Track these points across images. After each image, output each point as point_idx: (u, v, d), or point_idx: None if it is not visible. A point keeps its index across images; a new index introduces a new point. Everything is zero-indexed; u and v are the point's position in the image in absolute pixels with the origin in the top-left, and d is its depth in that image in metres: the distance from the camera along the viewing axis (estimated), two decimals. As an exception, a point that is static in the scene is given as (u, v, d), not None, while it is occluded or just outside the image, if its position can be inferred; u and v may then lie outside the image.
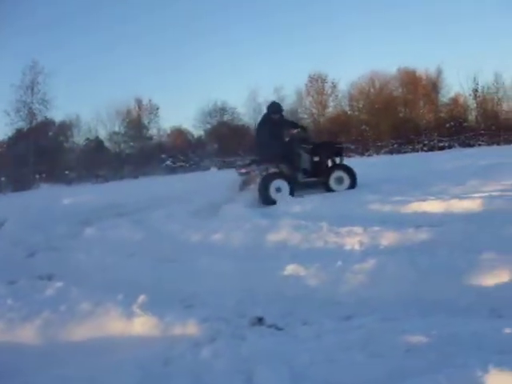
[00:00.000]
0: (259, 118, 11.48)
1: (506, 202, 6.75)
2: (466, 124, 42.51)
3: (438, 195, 7.72)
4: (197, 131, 49.51)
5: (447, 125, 42.40)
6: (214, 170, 36.27)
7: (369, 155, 38.64)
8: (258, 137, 10.62)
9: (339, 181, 10.10)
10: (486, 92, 45.74)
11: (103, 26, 71.07)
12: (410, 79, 47.79)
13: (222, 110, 48.29)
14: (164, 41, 72.82)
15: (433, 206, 6.96)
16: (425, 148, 40.00)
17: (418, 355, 2.47)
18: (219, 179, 12.76)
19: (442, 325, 2.85)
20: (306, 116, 48.59)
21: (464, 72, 59.93)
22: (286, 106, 47.26)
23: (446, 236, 5.07)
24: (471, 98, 46.13)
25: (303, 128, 11.10)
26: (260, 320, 3.45)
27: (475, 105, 46.16)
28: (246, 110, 48.45)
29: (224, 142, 43.54)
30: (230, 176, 10.77)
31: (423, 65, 60.07)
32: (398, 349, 2.55)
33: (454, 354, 2.43)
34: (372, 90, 48.27)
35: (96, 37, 69.40)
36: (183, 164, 39.79)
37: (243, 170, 10.11)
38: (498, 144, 36.03)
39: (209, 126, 48.58)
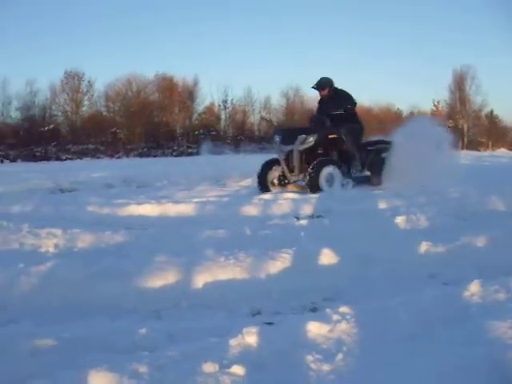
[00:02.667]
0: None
1: (217, 206, 7.21)
2: (214, 132, 44.61)
3: (160, 199, 7.95)
4: None
5: (196, 132, 44.13)
6: None
7: (118, 157, 38.42)
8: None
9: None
10: (236, 104, 48.74)
11: None
12: (167, 85, 48.62)
13: (-34, 99, 44.23)
14: None
15: (147, 210, 7.16)
16: (174, 153, 41.03)
17: (43, 359, 2.47)
18: None
19: (84, 327, 2.88)
20: (59, 113, 46.71)
21: (217, 84, 62.71)
22: (39, 101, 45.22)
23: (140, 238, 5.22)
24: (221, 108, 48.75)
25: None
26: None
27: (225, 115, 48.89)
28: (-7, 102, 45.13)
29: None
30: None
31: (181, 73, 61.99)
32: (23, 353, 2.53)
33: (80, 356, 2.48)
34: (129, 92, 48.14)
35: None
36: None
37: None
38: (244, 153, 38.50)
39: None
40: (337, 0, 73.89)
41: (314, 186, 8.93)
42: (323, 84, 10.06)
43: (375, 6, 76.26)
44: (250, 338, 2.37)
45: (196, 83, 49.39)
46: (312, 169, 9.04)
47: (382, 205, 7.40)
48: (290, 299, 3.54)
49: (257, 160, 10.69)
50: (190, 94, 49.28)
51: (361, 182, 9.74)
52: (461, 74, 53.15)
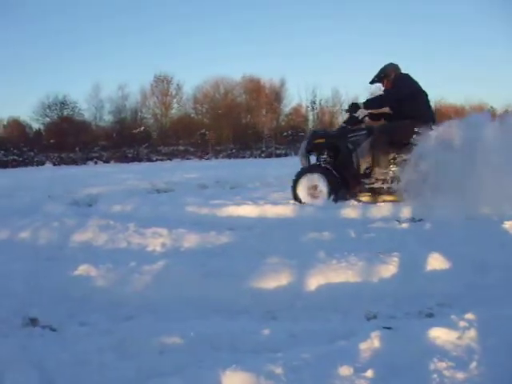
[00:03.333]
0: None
1: (315, 208, 7.18)
2: (302, 134, 44.54)
3: (256, 200, 8.00)
4: (35, 124, 47.20)
5: (284, 133, 44.20)
6: (48, 165, 34.84)
7: (207, 159, 39.13)
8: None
9: None
10: (324, 105, 48.53)
11: None
12: (254, 87, 49.17)
13: (63, 103, 46.36)
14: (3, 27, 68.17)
15: (246, 211, 7.23)
16: (263, 154, 41.33)
17: (171, 356, 2.54)
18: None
19: (206, 326, 2.94)
20: (149, 116, 48.28)
21: (305, 85, 62.65)
22: (130, 104, 46.90)
23: (246, 240, 5.28)
24: (309, 109, 48.61)
25: None
26: (33, 321, 3.35)
27: (313, 116, 48.75)
28: (88, 106, 47.14)
29: (62, 137, 41.84)
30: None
31: (268, 74, 62.46)
32: (152, 350, 2.61)
33: (207, 355, 2.53)
34: (217, 94, 49.00)
35: None
36: (16, 158, 37.60)
37: None
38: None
39: (48, 120, 46.48)
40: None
41: None
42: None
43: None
44: (379, 342, 2.34)
45: (283, 84, 49.69)
46: None
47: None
48: (404, 304, 3.46)
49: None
50: (276, 96, 49.62)
51: None
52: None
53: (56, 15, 72.23)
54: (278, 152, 40.93)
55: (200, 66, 75.34)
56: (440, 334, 2.42)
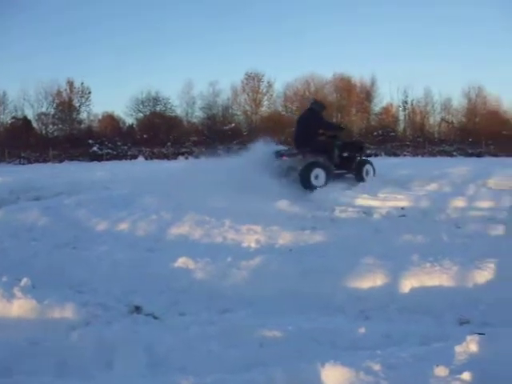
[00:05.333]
0: (301, 112, 13.22)
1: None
2: (393, 134, 43.77)
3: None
4: (128, 119, 48.94)
5: (375, 133, 43.54)
6: (141, 159, 36.00)
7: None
8: (301, 128, 11.42)
9: (367, 172, 11.61)
10: (416, 105, 47.45)
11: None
12: (344, 86, 48.78)
13: (156, 99, 47.67)
14: (100, 23, 70.98)
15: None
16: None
17: (272, 348, 2.65)
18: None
19: (304, 321, 3.05)
20: (239, 113, 48.92)
21: (396, 84, 61.49)
22: (221, 101, 47.75)
23: (338, 239, 5.34)
24: (401, 109, 47.68)
25: (342, 128, 13.29)
26: (138, 308, 3.56)
27: (404, 116, 47.81)
28: (180, 102, 48.38)
29: (154, 132, 43.14)
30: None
31: (358, 73, 61.77)
32: (253, 342, 2.73)
33: (306, 348, 2.63)
34: (307, 92, 48.90)
35: (30, 12, 66.91)
36: (110, 151, 39.09)
37: (285, 158, 10.88)
38: (422, 155, 37.32)
39: (141, 115, 48.02)
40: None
41: None
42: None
43: None
44: (475, 346, 2.35)
45: (373, 83, 49.00)
46: None
47: None
48: (499, 311, 3.42)
49: (439, 163, 10.38)
50: (367, 95, 48.99)
51: None
52: None
53: (150, 11, 74.43)
54: (368, 152, 40.35)
55: (291, 63, 75.55)
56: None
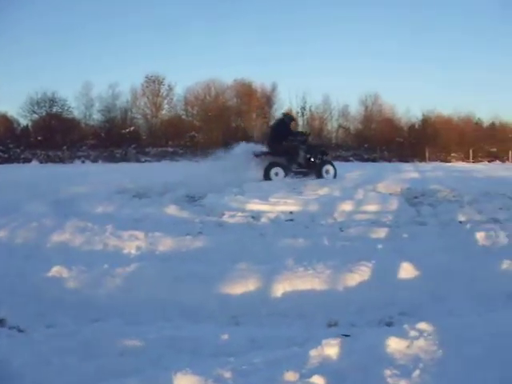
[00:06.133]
0: (274, 121, 17.63)
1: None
2: (291, 139, 44.54)
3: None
4: (23, 120, 46.80)
5: (273, 138, 44.16)
6: (35, 163, 34.64)
7: (196, 161, 38.82)
8: (272, 133, 15.02)
9: (327, 172, 14.47)
10: (314, 111, 48.60)
11: None
12: (245, 91, 49.10)
13: (52, 100, 45.72)
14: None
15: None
16: (251, 159, 41.17)
17: (131, 358, 2.61)
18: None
19: (169, 329, 3.03)
20: (139, 116, 48.12)
21: (295, 90, 62.71)
22: (120, 104, 46.77)
23: (220, 244, 5.36)
24: (299, 115, 48.64)
25: (307, 134, 16.30)
26: (1, 321, 3.41)
27: (302, 122, 48.75)
28: (77, 104, 46.85)
29: (51, 134, 41.57)
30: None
31: (259, 79, 62.54)
32: (113, 352, 2.68)
33: (164, 357, 2.61)
34: (208, 97, 48.92)
35: None
36: (1, 154, 37.28)
37: (257, 157, 14.03)
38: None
39: (36, 116, 46.11)
40: (414, 13, 71.97)
41: None
42: None
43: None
44: (330, 349, 2.42)
45: (274, 89, 49.68)
46: None
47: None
48: (367, 312, 3.56)
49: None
50: (267, 100, 49.57)
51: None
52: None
53: (48, 13, 71.70)
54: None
55: (192, 67, 74.83)
56: (391, 343, 2.51)
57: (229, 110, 48.06)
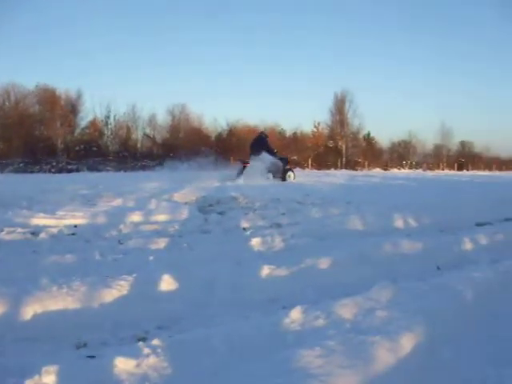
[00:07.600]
0: (254, 138, 22.45)
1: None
2: (95, 148, 43.30)
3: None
4: None
5: (76, 148, 42.71)
6: None
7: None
8: (252, 149, 20.90)
9: (290, 177, 21.38)
10: (120, 120, 47.73)
11: None
12: (48, 98, 46.84)
13: None
14: None
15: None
16: (53, 169, 39.24)
17: None
18: None
19: None
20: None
21: (100, 98, 61.36)
22: None
23: None
24: (103, 124, 47.52)
25: (275, 151, 21.40)
26: None
27: (108, 131, 47.63)
28: None
29: None
30: None
31: (64, 86, 60.14)
32: None
33: None
34: (7, 103, 45.93)
35: None
36: None
37: (242, 165, 20.34)
38: (125, 170, 37.77)
39: None
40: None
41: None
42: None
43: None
44: (48, 377, 2.25)
45: (79, 97, 48.00)
46: None
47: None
48: (122, 329, 3.43)
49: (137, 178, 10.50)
50: (72, 108, 47.76)
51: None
52: (341, 98, 56.05)
53: None
54: (69, 167, 39.19)
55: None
56: (118, 363, 2.40)
57: (30, 118, 45.50)
